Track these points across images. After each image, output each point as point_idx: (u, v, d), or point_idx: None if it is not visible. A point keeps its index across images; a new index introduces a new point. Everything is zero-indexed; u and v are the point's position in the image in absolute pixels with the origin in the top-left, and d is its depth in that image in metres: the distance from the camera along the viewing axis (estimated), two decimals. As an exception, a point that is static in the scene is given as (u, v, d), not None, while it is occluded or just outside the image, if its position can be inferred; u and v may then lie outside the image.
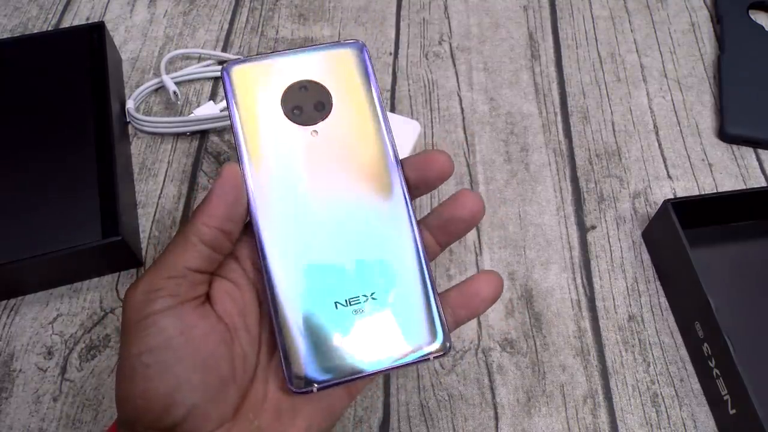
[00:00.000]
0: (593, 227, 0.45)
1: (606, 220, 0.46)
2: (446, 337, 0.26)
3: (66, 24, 0.56)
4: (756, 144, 0.49)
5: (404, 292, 0.26)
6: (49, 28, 0.56)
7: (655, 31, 0.57)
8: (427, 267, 0.27)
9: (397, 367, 0.26)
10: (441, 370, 0.40)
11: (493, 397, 0.39)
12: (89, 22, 0.55)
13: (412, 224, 0.27)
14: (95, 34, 0.49)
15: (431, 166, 0.27)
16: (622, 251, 0.44)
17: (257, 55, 0.28)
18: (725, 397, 0.36)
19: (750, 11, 0.57)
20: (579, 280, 0.43)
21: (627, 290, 0.43)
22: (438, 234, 0.28)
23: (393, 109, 0.51)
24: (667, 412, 0.38)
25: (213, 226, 0.25)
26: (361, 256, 0.27)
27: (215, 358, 0.24)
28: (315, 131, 0.27)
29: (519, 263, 0.44)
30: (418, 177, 0.28)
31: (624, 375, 0.39)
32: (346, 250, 0.26)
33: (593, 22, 0.57)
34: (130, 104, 0.49)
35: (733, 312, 0.41)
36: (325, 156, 0.27)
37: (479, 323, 0.41)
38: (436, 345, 0.26)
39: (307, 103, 0.28)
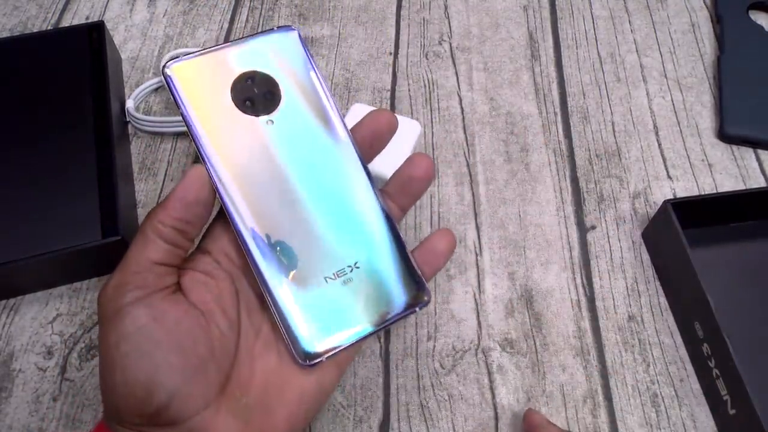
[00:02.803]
0: (593, 227, 0.45)
1: (606, 221, 0.46)
2: (425, 288, 0.29)
3: (65, 23, 0.56)
4: (756, 144, 0.49)
5: (382, 256, 0.29)
6: (49, 28, 0.56)
7: (655, 32, 0.57)
8: (396, 230, 0.30)
9: (391, 323, 0.28)
10: (441, 370, 0.40)
11: (493, 397, 0.39)
12: (89, 21, 0.55)
13: (375, 195, 0.30)
14: (95, 33, 0.49)
15: (378, 125, 0.30)
16: (621, 251, 0.44)
17: (194, 51, 0.29)
18: (725, 397, 0.36)
19: (750, 11, 0.57)
20: (579, 280, 0.43)
21: (627, 290, 0.43)
22: (398, 198, 0.31)
23: (393, 109, 0.51)
24: (666, 412, 0.38)
25: (168, 225, 0.26)
26: (337, 231, 0.29)
27: (191, 340, 0.25)
28: (270, 120, 0.28)
29: (519, 263, 0.44)
30: (371, 136, 0.30)
31: (624, 375, 0.39)
32: (322, 228, 0.28)
33: (593, 22, 0.57)
34: (129, 104, 0.49)
35: (733, 312, 0.41)
36: (284, 143, 0.28)
37: (479, 323, 0.41)
38: (419, 296, 0.29)
39: (257, 94, 0.28)
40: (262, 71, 0.29)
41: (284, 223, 0.28)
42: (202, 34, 0.56)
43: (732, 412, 0.36)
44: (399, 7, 0.58)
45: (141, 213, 0.45)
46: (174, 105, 0.51)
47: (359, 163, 0.30)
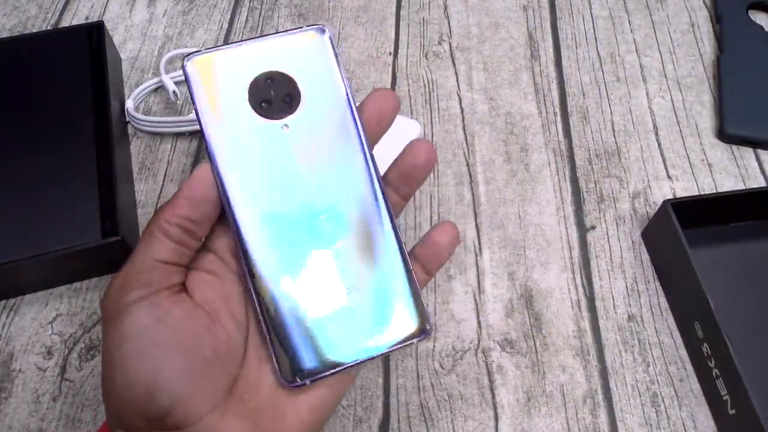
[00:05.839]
0: (593, 227, 0.45)
1: (606, 220, 0.46)
2: (427, 319, 0.28)
3: (65, 23, 0.56)
4: (755, 144, 0.49)
5: (385, 281, 0.27)
6: (49, 28, 0.56)
7: (655, 31, 0.57)
8: (405, 255, 0.28)
9: (385, 353, 0.27)
10: (441, 370, 0.40)
11: (493, 397, 0.39)
12: (88, 21, 0.55)
13: (390, 219, 0.28)
14: (94, 33, 0.49)
15: (383, 108, 0.28)
16: (621, 251, 0.44)
17: (219, 45, 0.28)
18: (725, 397, 0.36)
19: (750, 11, 0.57)
20: (579, 280, 0.43)
21: (626, 290, 0.43)
22: (400, 187, 0.29)
23: (393, 109, 0.51)
24: (666, 412, 0.38)
25: (175, 223, 0.25)
26: (341, 251, 0.27)
27: (195, 341, 0.24)
28: (286, 125, 0.27)
29: (519, 263, 0.44)
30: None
31: (623, 375, 0.39)
32: (325, 245, 0.27)
33: (593, 22, 0.57)
34: (129, 104, 0.49)
35: (733, 312, 0.41)
36: (297, 150, 0.27)
37: (479, 323, 0.41)
38: (420, 327, 0.27)
39: (275, 96, 0.27)
40: (283, 72, 0.27)
41: (285, 236, 0.26)
42: (202, 34, 0.56)
43: (732, 412, 0.36)
44: (399, 7, 0.58)
45: (141, 213, 0.46)
46: (172, 104, 0.51)
47: (375, 180, 0.28)
